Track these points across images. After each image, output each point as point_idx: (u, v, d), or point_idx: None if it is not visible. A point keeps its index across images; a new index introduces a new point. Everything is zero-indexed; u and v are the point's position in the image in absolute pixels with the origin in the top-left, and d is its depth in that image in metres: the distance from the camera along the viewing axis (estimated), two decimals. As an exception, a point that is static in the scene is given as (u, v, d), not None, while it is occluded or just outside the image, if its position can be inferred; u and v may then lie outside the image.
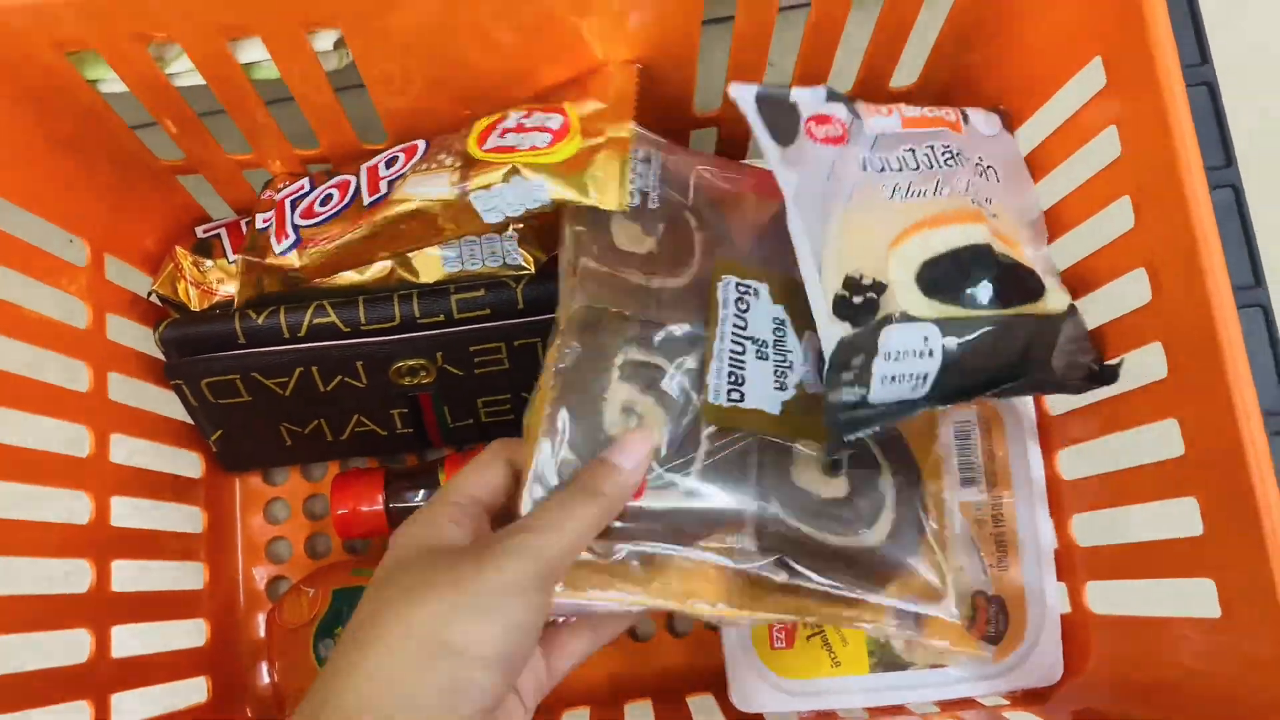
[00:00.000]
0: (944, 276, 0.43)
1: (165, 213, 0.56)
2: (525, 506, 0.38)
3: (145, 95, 0.45)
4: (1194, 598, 0.40)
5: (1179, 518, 0.41)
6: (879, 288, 0.42)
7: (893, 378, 0.41)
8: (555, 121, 0.45)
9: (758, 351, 0.42)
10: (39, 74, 0.43)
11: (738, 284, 0.44)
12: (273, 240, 0.49)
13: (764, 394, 0.42)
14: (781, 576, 0.40)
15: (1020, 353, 0.43)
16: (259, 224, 0.51)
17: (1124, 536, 0.46)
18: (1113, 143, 0.43)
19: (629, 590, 0.38)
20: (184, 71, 0.45)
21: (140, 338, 0.54)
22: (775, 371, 0.42)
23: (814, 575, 0.40)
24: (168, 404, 0.55)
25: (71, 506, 0.49)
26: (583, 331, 0.40)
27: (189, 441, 0.58)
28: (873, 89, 0.53)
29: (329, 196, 0.49)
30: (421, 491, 0.56)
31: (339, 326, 0.50)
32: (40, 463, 0.46)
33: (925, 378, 0.41)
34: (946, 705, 0.50)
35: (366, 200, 0.47)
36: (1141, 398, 0.43)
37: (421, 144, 0.48)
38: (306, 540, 0.62)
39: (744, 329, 0.43)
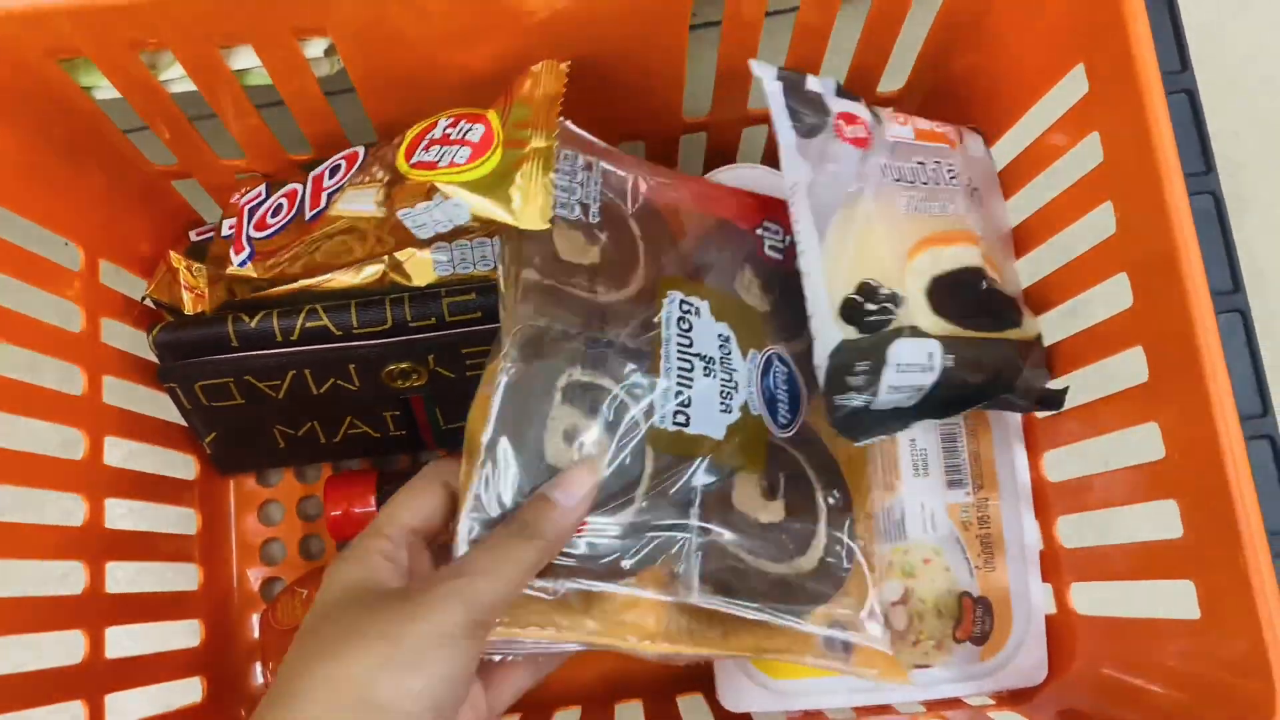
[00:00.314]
0: (948, 295, 0.44)
1: (159, 217, 0.56)
2: (460, 544, 0.36)
3: (139, 102, 0.46)
4: (1175, 599, 0.41)
5: (1160, 520, 0.41)
6: (896, 299, 0.42)
7: (896, 388, 0.41)
8: (477, 133, 0.43)
9: (705, 368, 0.42)
10: (32, 81, 0.43)
11: (681, 301, 0.43)
12: (231, 252, 0.50)
13: (710, 417, 0.41)
14: (718, 606, 0.39)
15: (994, 373, 0.43)
16: (224, 230, 0.51)
17: (1108, 538, 0.46)
18: (1095, 149, 0.43)
19: (567, 628, 0.37)
20: (177, 78, 0.46)
21: (135, 341, 0.54)
22: (721, 392, 0.42)
23: (750, 604, 0.40)
24: (162, 406, 0.55)
25: (66, 508, 0.49)
26: (524, 349, 0.39)
27: (183, 443, 0.59)
28: (860, 92, 0.53)
29: (279, 207, 0.50)
30: (414, 493, 0.57)
31: (331, 330, 0.51)
32: (35, 466, 0.47)
33: (920, 390, 0.42)
34: (933, 705, 0.51)
35: (308, 213, 0.48)
36: (1123, 401, 0.43)
37: (361, 150, 0.49)
38: (300, 541, 0.62)
39: (689, 346, 0.42)
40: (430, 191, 0.42)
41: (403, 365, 0.53)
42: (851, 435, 0.41)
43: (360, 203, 0.44)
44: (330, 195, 0.47)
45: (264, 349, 0.51)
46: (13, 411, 0.46)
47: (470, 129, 0.43)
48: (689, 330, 0.42)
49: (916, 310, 0.42)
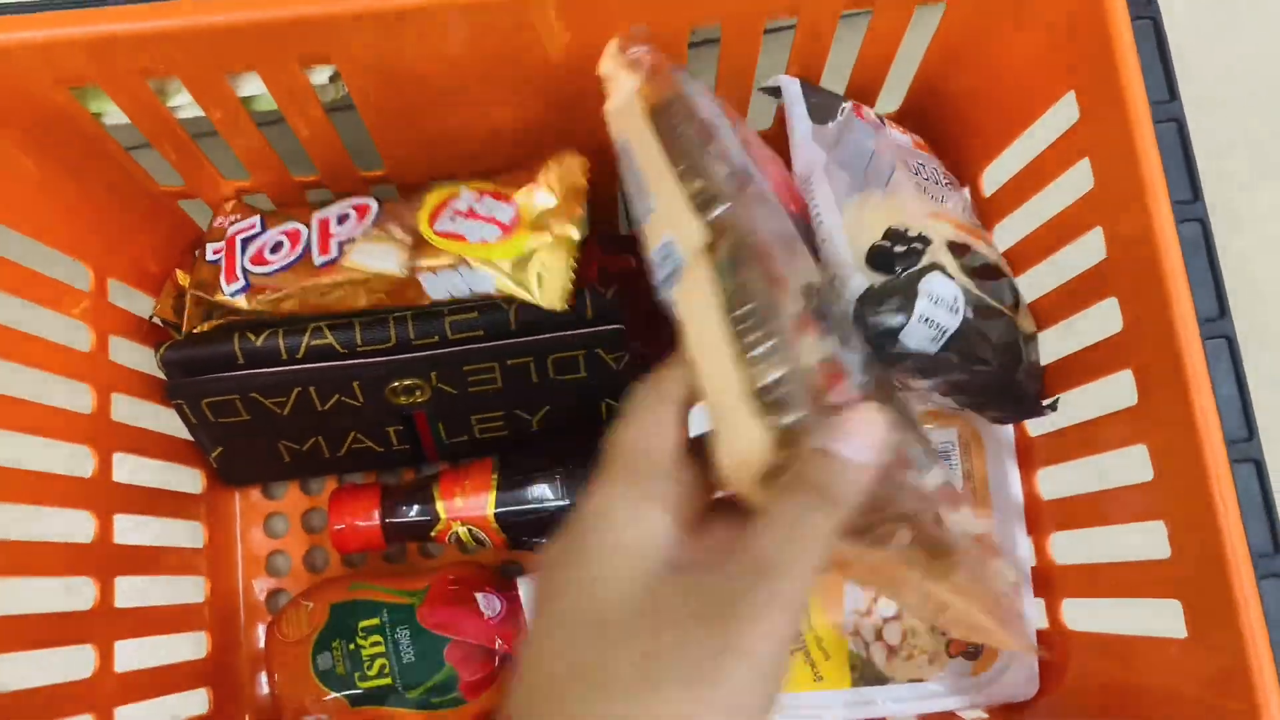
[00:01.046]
0: (966, 256, 0.45)
1: (165, 236, 0.57)
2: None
3: (147, 127, 0.47)
4: (1164, 617, 0.42)
5: (1150, 539, 0.42)
6: (924, 240, 0.44)
7: (926, 320, 0.42)
8: (506, 214, 0.46)
9: None
10: (43, 108, 0.44)
11: None
12: (222, 280, 0.51)
13: None
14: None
15: (1003, 350, 0.44)
16: (209, 255, 0.52)
17: (1100, 556, 0.47)
18: (1085, 174, 0.44)
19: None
20: (185, 104, 0.47)
21: (141, 358, 0.55)
22: None
23: None
24: (168, 421, 0.56)
25: (75, 525, 0.50)
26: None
27: (190, 458, 0.59)
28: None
29: (279, 244, 0.51)
30: (416, 507, 0.57)
31: (336, 348, 0.52)
32: (45, 484, 0.48)
33: (944, 334, 0.43)
34: (926, 719, 0.52)
35: (317, 259, 0.49)
36: (1114, 423, 0.44)
37: (373, 205, 0.50)
38: (305, 554, 0.63)
39: None
40: (458, 263, 0.46)
41: (406, 382, 0.54)
42: (881, 354, 0.41)
43: (382, 260, 0.47)
44: (341, 245, 0.49)
45: (270, 366, 0.52)
46: (23, 430, 0.47)
47: (498, 207, 0.47)
48: None
49: (942, 255, 0.44)
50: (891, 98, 0.53)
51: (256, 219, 0.53)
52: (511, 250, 0.45)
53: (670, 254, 0.33)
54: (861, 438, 0.29)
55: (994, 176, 0.52)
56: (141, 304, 0.57)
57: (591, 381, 0.55)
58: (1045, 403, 0.47)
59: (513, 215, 0.46)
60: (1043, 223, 0.47)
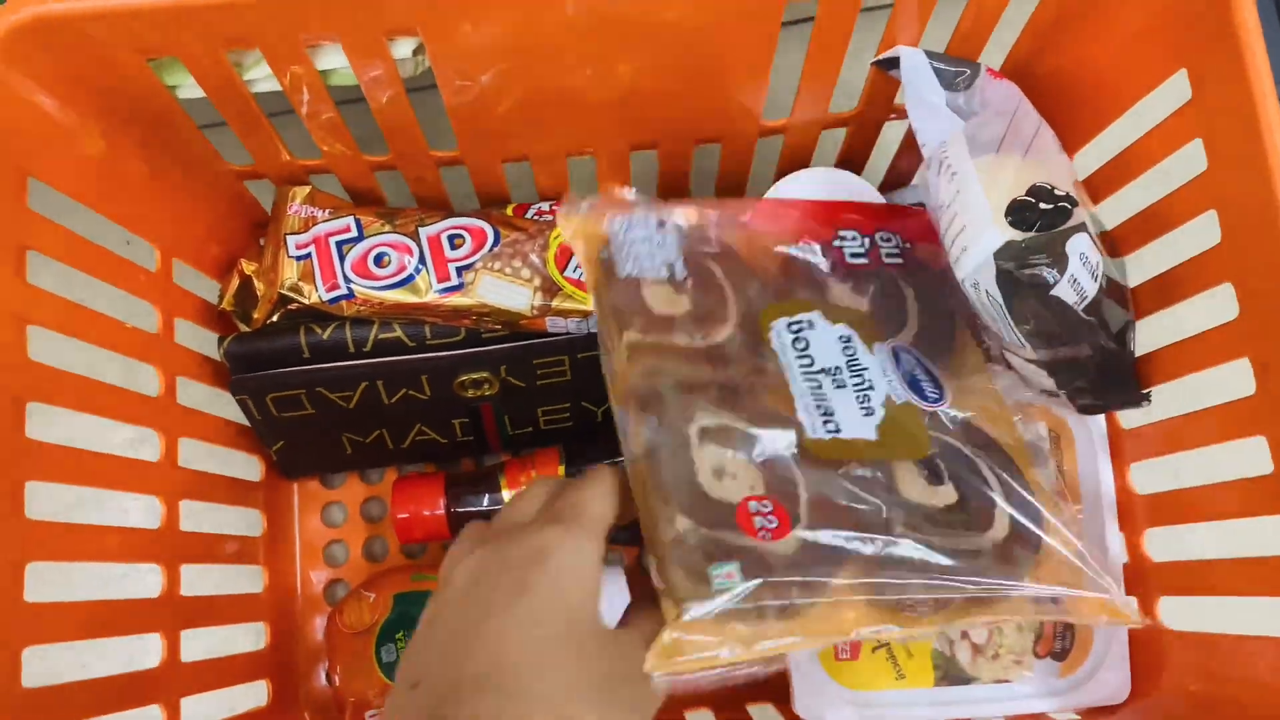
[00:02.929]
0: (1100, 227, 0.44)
1: (231, 217, 0.56)
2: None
3: (222, 101, 0.46)
4: (1271, 615, 0.40)
5: (1262, 534, 0.40)
6: (1072, 200, 0.42)
7: (1074, 281, 0.41)
8: None
9: (834, 381, 0.42)
10: (118, 80, 0.43)
11: (789, 324, 0.43)
12: (318, 283, 0.50)
13: (856, 424, 0.41)
14: (920, 594, 0.38)
15: (1117, 335, 0.43)
16: (293, 249, 0.51)
17: (1199, 553, 0.46)
18: (1196, 157, 0.42)
19: (773, 636, 0.35)
20: (261, 78, 0.45)
21: (204, 342, 0.54)
22: (858, 397, 0.42)
23: (956, 580, 0.38)
24: (227, 406, 0.55)
25: (142, 510, 0.49)
26: (646, 411, 0.39)
27: (248, 445, 0.58)
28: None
29: (384, 257, 0.50)
30: (485, 496, 0.56)
31: (405, 341, 0.51)
32: (111, 467, 0.46)
33: (1084, 300, 0.41)
34: (1013, 720, 0.50)
35: (436, 285, 0.50)
36: (1225, 414, 0.42)
37: (489, 231, 0.50)
38: (364, 544, 0.62)
39: (812, 365, 0.42)
40: (590, 313, 0.48)
41: (475, 375, 0.53)
42: (1023, 319, 0.40)
43: (511, 299, 0.50)
44: (460, 270, 0.49)
45: (337, 360, 0.51)
46: (92, 412, 0.45)
47: None
48: (806, 349, 0.42)
49: (1086, 218, 0.42)
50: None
51: (350, 220, 0.51)
52: None
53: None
54: None
55: (1086, 159, 0.50)
56: (202, 285, 0.55)
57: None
58: (1144, 391, 0.46)
59: None
60: (1146, 206, 0.46)
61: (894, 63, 0.46)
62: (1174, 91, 0.43)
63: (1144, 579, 0.49)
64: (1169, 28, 0.42)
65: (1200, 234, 0.42)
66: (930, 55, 0.45)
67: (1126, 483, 0.50)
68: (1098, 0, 0.44)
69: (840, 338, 0.43)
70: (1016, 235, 0.40)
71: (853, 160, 0.57)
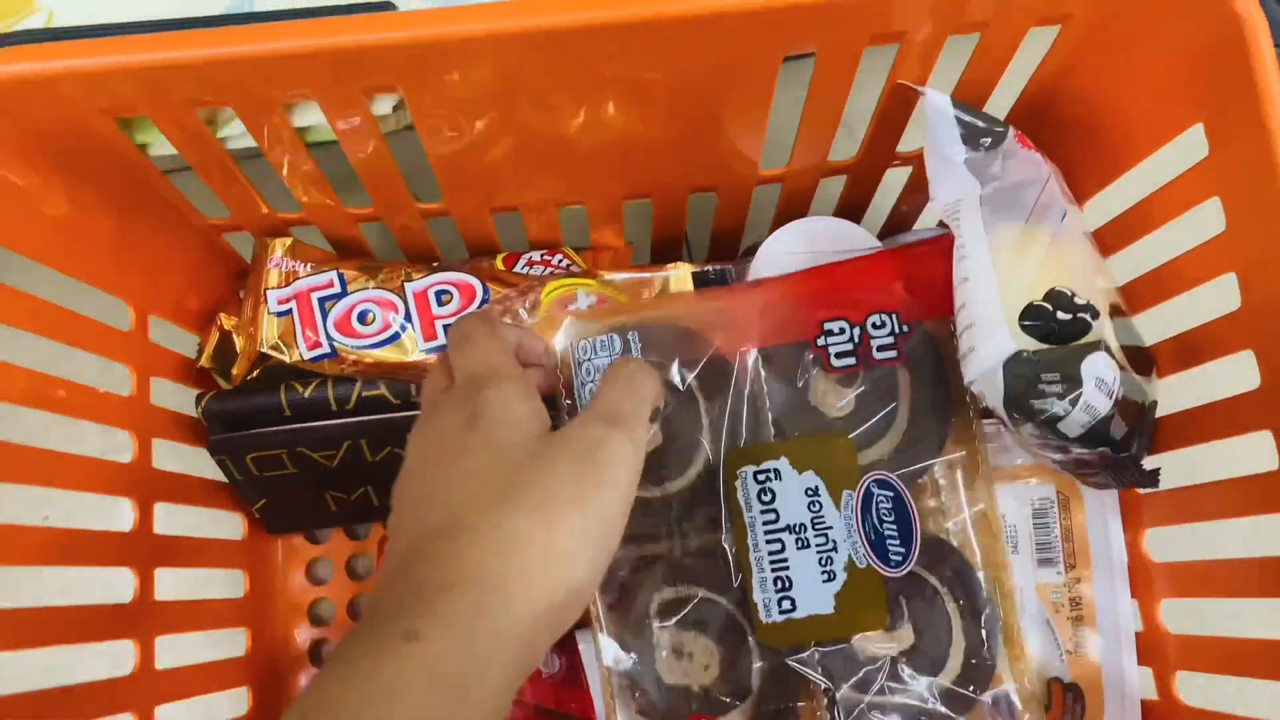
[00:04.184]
0: (1120, 326, 0.42)
1: (207, 269, 0.54)
2: None
3: (195, 158, 0.44)
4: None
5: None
6: (1093, 312, 0.40)
7: (1088, 407, 0.38)
8: None
9: (797, 540, 0.41)
10: (85, 139, 0.41)
11: (755, 474, 0.42)
12: (300, 342, 0.48)
13: (814, 593, 0.40)
14: None
15: (1130, 440, 0.41)
16: (274, 306, 0.49)
17: (1220, 629, 0.43)
18: (1214, 216, 0.40)
19: None
20: (235, 135, 0.44)
21: (181, 399, 0.52)
22: (820, 559, 0.40)
23: None
24: (209, 462, 0.53)
25: (114, 583, 0.47)
26: (606, 590, 0.40)
27: (231, 502, 0.56)
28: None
29: (368, 314, 0.48)
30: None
31: (389, 399, 0.49)
32: (82, 541, 0.44)
33: (1094, 419, 0.39)
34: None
35: (423, 343, 0.47)
36: (1245, 487, 0.40)
37: (478, 287, 0.48)
38: (350, 602, 0.60)
39: (775, 521, 0.41)
40: None
41: (464, 429, 0.51)
42: (1042, 440, 0.38)
43: None
44: (448, 328, 0.47)
45: (318, 419, 0.49)
46: (62, 486, 0.43)
47: None
48: (772, 502, 0.41)
49: (1106, 330, 0.40)
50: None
51: (334, 275, 0.49)
52: None
53: None
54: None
55: (1094, 213, 0.48)
56: (180, 339, 0.53)
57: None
58: (1149, 467, 0.44)
59: None
60: (1159, 265, 0.44)
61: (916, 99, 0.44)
62: (1190, 146, 0.41)
63: (1160, 651, 0.47)
64: (1187, 79, 0.41)
65: (1219, 297, 0.41)
66: (957, 105, 0.42)
67: (1140, 549, 0.48)
68: (1113, 45, 0.43)
69: (807, 490, 0.41)
70: (1029, 345, 0.38)
71: (854, 204, 0.55)
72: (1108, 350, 0.39)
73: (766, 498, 0.41)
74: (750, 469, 0.41)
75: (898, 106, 0.46)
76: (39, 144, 0.40)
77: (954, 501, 0.44)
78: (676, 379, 0.43)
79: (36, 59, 0.36)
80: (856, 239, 0.51)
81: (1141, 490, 0.48)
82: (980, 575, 0.42)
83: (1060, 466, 0.42)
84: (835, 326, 0.45)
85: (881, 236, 0.52)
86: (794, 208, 0.54)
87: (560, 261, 0.53)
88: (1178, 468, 0.44)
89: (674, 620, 0.39)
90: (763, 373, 0.44)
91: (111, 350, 0.47)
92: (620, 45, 0.39)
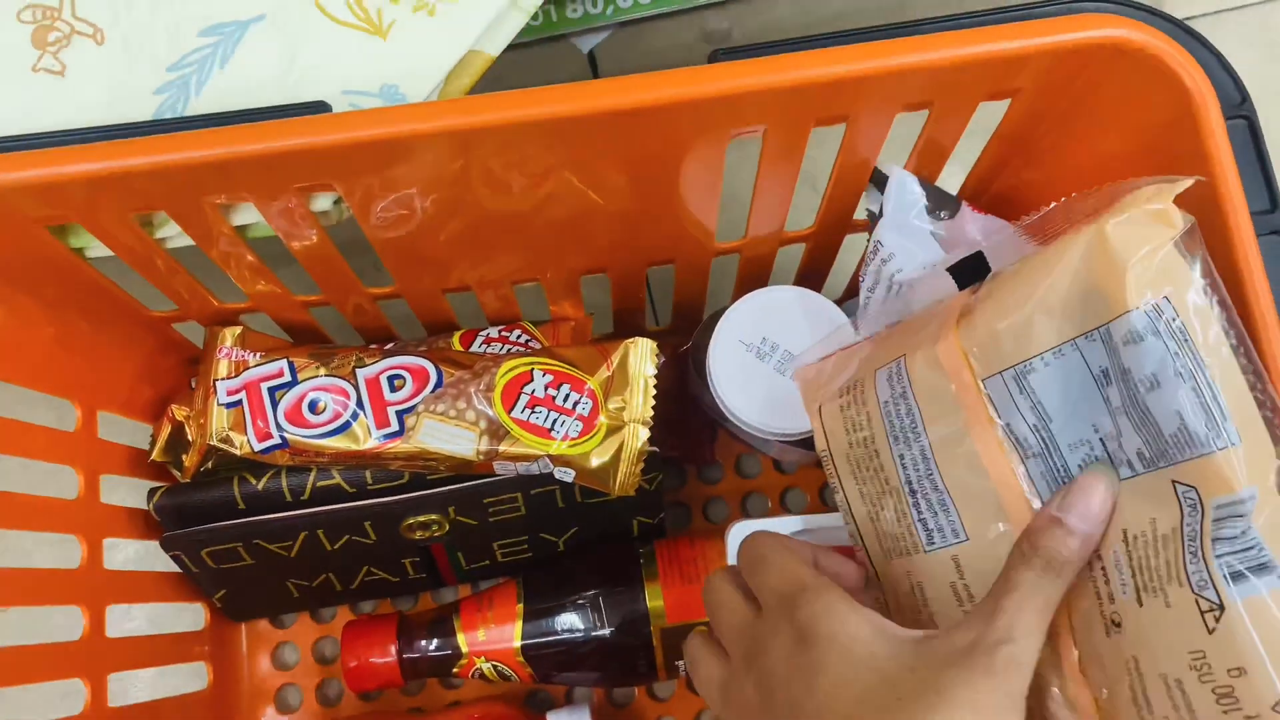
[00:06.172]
0: None
1: (157, 358, 0.53)
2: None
3: (134, 262, 0.43)
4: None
5: None
6: None
7: None
8: (585, 407, 0.45)
9: None
10: (15, 250, 0.40)
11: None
12: (250, 433, 0.46)
13: None
14: None
15: None
16: (224, 396, 0.47)
17: None
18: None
19: None
20: (174, 235, 0.43)
21: (133, 492, 0.51)
22: None
23: None
24: (166, 557, 0.52)
25: (69, 692, 0.45)
26: None
27: (190, 593, 0.55)
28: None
29: (318, 403, 0.46)
30: (436, 641, 0.53)
31: (344, 488, 0.48)
32: (29, 655, 0.43)
33: None
34: None
35: (375, 432, 0.45)
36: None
37: (431, 370, 0.46)
38: (318, 686, 0.59)
39: None
40: (540, 457, 0.45)
41: (422, 518, 0.50)
42: None
43: (454, 444, 0.46)
44: (400, 415, 0.46)
45: (273, 511, 0.48)
46: (7, 603, 0.42)
47: (579, 400, 0.46)
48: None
49: None
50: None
51: (283, 364, 0.48)
52: (591, 444, 0.45)
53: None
54: (1088, 505, 0.33)
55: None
56: (133, 431, 0.52)
57: (624, 502, 0.51)
58: None
59: (591, 408, 0.46)
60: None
61: (881, 181, 0.44)
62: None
63: None
64: (1140, 151, 0.40)
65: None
66: (920, 181, 0.43)
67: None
68: (1066, 121, 0.42)
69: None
70: None
71: (815, 270, 0.55)
72: None
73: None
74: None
75: (852, 175, 0.45)
76: (-33, 257, 0.39)
77: None
78: None
79: (-41, 175, 0.35)
80: (817, 309, 0.50)
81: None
82: None
83: None
84: None
85: (842, 301, 0.51)
86: (755, 275, 0.53)
87: (519, 337, 0.53)
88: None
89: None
90: None
91: (57, 454, 0.46)
92: (562, 137, 0.38)
